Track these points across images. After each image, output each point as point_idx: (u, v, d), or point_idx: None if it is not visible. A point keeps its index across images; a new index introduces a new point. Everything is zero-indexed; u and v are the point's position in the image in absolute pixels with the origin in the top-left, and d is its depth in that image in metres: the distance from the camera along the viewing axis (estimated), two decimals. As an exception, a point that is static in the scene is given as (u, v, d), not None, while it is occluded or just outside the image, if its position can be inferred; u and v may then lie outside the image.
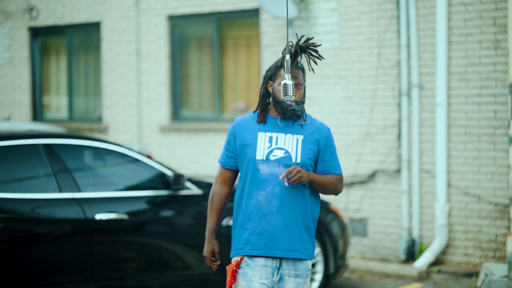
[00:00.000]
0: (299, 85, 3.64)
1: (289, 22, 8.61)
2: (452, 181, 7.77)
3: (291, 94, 3.49)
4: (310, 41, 3.66)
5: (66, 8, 10.81)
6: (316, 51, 3.65)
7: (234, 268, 3.60)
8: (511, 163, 6.97)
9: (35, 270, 5.11)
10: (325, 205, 6.63)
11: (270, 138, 3.63)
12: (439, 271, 7.68)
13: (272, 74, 3.68)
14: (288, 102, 3.58)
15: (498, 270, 6.23)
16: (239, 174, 3.75)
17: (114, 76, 10.38)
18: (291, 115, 3.63)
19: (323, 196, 8.11)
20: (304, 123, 3.68)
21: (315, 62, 3.68)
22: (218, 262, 3.78)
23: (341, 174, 3.73)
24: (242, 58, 9.52)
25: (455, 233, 7.80)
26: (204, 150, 9.53)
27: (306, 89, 8.51)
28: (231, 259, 3.71)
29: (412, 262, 7.97)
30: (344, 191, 8.42)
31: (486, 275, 6.32)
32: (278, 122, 3.67)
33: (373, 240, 8.33)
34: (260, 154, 3.61)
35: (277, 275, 3.61)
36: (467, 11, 7.65)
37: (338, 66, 8.47)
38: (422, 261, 7.69)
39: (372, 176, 8.28)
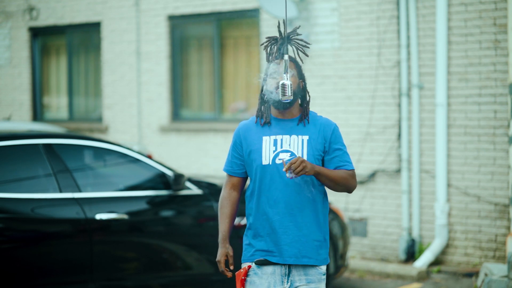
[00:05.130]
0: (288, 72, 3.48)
1: (289, 22, 8.61)
2: (452, 181, 7.77)
3: (289, 94, 3.45)
4: (295, 32, 3.54)
5: (66, 8, 10.81)
6: (301, 39, 3.53)
7: (243, 278, 3.53)
8: (511, 163, 6.97)
9: (35, 270, 5.11)
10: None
11: (275, 141, 3.52)
12: (439, 271, 7.68)
13: (265, 73, 3.54)
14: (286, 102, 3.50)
15: (498, 270, 6.23)
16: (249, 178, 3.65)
17: (114, 76, 10.38)
18: (282, 105, 3.50)
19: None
20: (307, 122, 3.57)
21: (304, 53, 3.56)
22: (232, 267, 3.63)
23: (353, 170, 3.59)
24: (242, 58, 9.52)
25: (455, 233, 7.80)
26: (204, 150, 9.52)
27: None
28: (241, 264, 3.62)
29: (412, 262, 7.96)
30: (344, 191, 8.42)
31: (486, 275, 6.32)
32: (282, 122, 3.55)
33: (373, 240, 8.33)
34: (266, 159, 3.50)
35: (287, 282, 3.50)
36: (467, 11, 7.65)
37: (338, 66, 8.47)
38: (422, 261, 7.69)
39: (372, 176, 8.28)
